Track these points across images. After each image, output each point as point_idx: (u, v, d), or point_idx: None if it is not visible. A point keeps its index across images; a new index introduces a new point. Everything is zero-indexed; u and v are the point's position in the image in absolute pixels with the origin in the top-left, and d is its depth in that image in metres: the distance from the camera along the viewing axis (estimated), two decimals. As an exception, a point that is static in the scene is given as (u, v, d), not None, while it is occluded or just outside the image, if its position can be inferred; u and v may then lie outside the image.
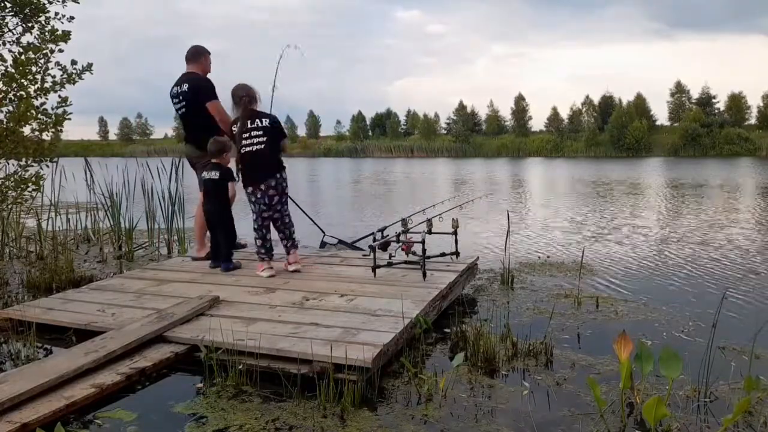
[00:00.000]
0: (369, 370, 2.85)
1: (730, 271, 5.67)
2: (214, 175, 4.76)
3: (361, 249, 5.94)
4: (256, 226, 4.62)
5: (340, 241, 6.14)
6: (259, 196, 4.52)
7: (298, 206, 5.90)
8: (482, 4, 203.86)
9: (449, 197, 6.12)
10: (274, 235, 4.75)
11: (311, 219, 6.27)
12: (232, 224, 4.93)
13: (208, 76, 5.20)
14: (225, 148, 4.75)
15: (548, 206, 11.97)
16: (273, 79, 5.90)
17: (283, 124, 4.82)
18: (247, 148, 4.44)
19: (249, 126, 4.45)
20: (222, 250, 4.89)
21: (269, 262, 4.65)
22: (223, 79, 5.33)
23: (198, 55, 5.15)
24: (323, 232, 6.24)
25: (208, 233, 5.35)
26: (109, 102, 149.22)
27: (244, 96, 4.46)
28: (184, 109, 5.08)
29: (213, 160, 4.82)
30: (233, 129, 4.52)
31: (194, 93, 4.98)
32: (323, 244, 6.17)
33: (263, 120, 4.49)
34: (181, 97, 5.05)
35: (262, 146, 4.45)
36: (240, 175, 4.60)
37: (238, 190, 4.91)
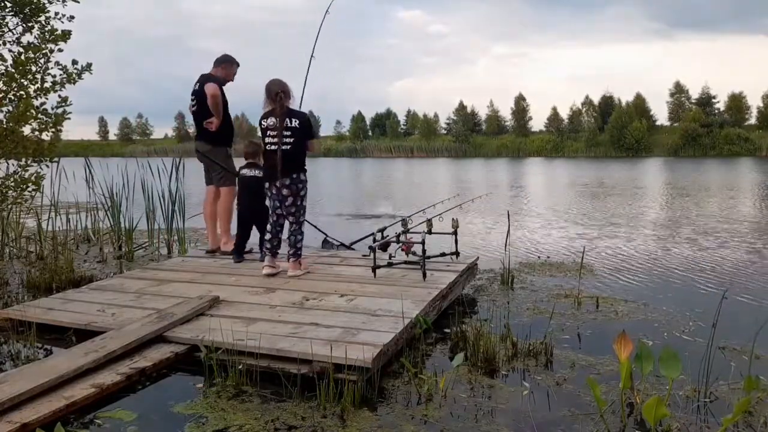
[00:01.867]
0: (369, 370, 2.85)
1: (730, 271, 5.67)
2: (258, 173, 4.97)
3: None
4: (270, 221, 4.69)
5: (342, 244, 6.15)
6: (274, 192, 4.58)
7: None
8: (483, 5, 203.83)
9: (449, 197, 6.11)
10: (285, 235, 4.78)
11: (315, 226, 6.25)
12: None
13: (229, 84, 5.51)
14: (260, 149, 4.88)
15: (548, 206, 11.96)
16: (306, 72, 6.18)
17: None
18: (273, 147, 4.48)
19: (278, 124, 4.47)
20: (261, 243, 5.17)
21: (272, 260, 4.66)
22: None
23: (220, 62, 5.44)
24: (325, 234, 6.25)
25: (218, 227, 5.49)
26: (109, 102, 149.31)
27: (280, 92, 4.46)
28: (196, 107, 5.34)
29: (251, 160, 5.06)
30: (263, 123, 4.56)
31: (202, 87, 5.22)
32: (325, 242, 6.18)
33: (293, 120, 4.51)
34: (194, 96, 5.32)
35: (289, 147, 4.47)
36: (263, 172, 4.70)
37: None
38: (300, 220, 4.67)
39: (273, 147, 4.48)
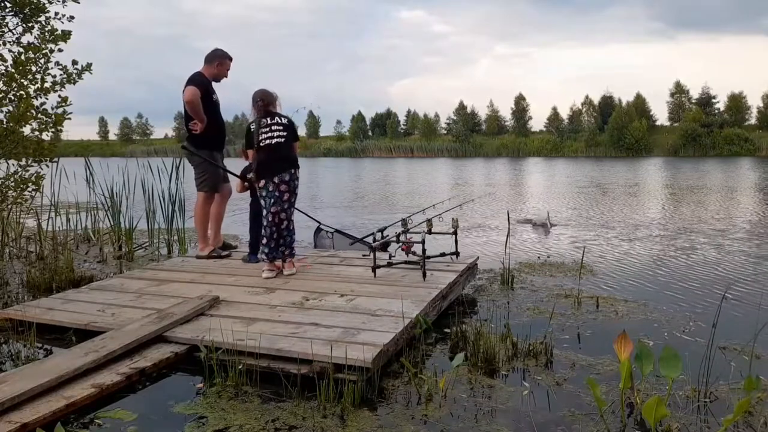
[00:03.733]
0: (369, 370, 2.85)
1: (730, 271, 5.67)
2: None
3: (356, 238, 5.96)
4: (265, 223, 4.64)
5: (337, 231, 6.14)
6: (270, 189, 4.55)
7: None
8: (486, 5, 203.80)
9: (449, 197, 6.11)
10: None
11: (306, 214, 6.26)
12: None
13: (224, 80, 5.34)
14: None
15: (548, 206, 11.95)
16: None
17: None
18: (266, 141, 4.54)
19: (269, 122, 4.58)
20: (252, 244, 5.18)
21: (271, 264, 4.64)
22: (225, 79, 5.40)
23: (208, 59, 5.21)
24: (318, 222, 6.26)
25: (210, 231, 5.43)
26: (109, 102, 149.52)
27: (259, 101, 4.61)
28: (183, 110, 5.20)
29: None
30: (251, 127, 4.62)
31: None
32: (318, 231, 6.18)
33: (283, 118, 4.67)
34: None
35: (282, 140, 4.57)
36: (255, 172, 4.62)
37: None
38: (291, 218, 4.72)
39: (267, 141, 4.52)
